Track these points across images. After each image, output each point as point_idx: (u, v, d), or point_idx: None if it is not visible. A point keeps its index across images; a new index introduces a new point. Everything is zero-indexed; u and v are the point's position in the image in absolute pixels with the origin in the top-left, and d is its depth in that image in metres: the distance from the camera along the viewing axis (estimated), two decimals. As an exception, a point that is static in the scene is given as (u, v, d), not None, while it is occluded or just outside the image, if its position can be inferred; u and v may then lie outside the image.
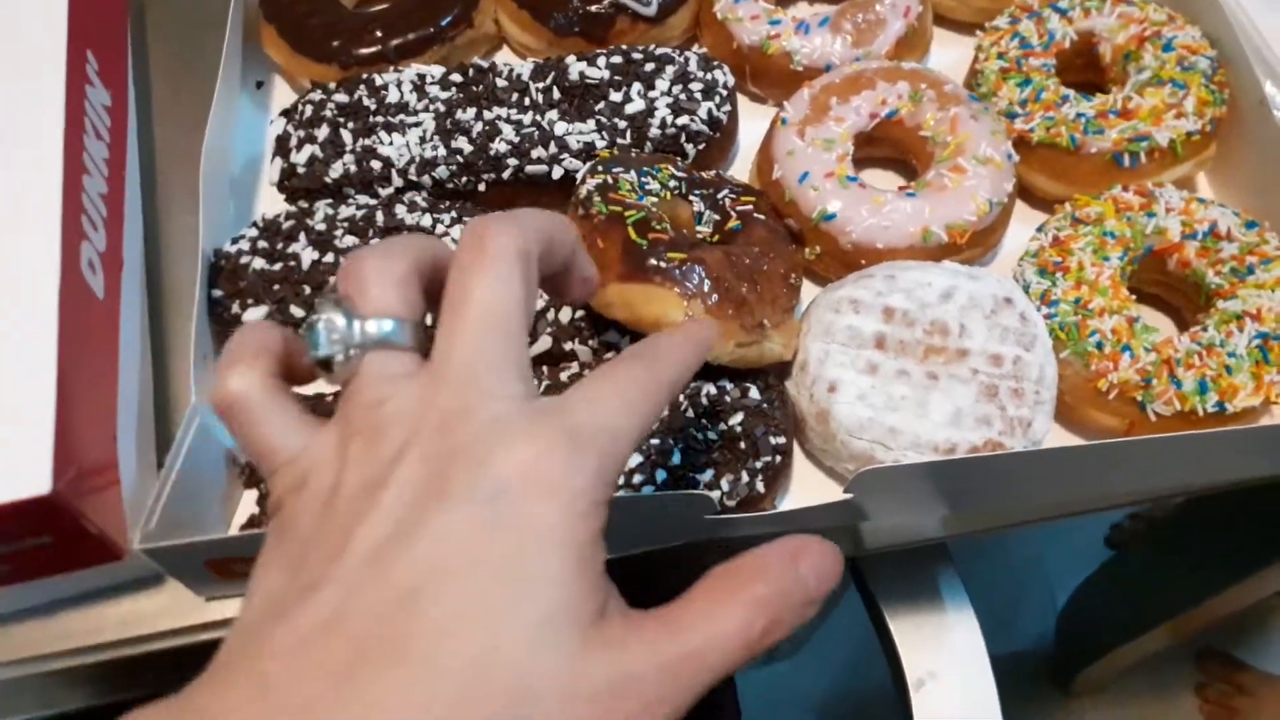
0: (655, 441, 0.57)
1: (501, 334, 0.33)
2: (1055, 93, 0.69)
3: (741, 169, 0.74)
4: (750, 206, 0.65)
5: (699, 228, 0.64)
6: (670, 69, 0.70)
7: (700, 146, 0.69)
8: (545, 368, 0.61)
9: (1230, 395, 0.59)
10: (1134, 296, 0.64)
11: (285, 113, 0.70)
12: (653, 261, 0.56)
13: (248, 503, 0.61)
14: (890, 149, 0.72)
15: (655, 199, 0.62)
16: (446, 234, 0.64)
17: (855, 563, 0.73)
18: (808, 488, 0.62)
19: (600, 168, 0.62)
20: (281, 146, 0.68)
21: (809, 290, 0.68)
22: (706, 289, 0.56)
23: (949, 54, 0.79)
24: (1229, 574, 1.06)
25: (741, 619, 0.32)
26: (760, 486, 0.57)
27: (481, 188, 0.68)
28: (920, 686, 0.71)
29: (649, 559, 0.59)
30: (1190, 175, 0.71)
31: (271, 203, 0.71)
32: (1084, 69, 0.74)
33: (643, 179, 0.62)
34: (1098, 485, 0.62)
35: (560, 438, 0.31)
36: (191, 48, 0.81)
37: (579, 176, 0.64)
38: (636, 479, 0.56)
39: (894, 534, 0.65)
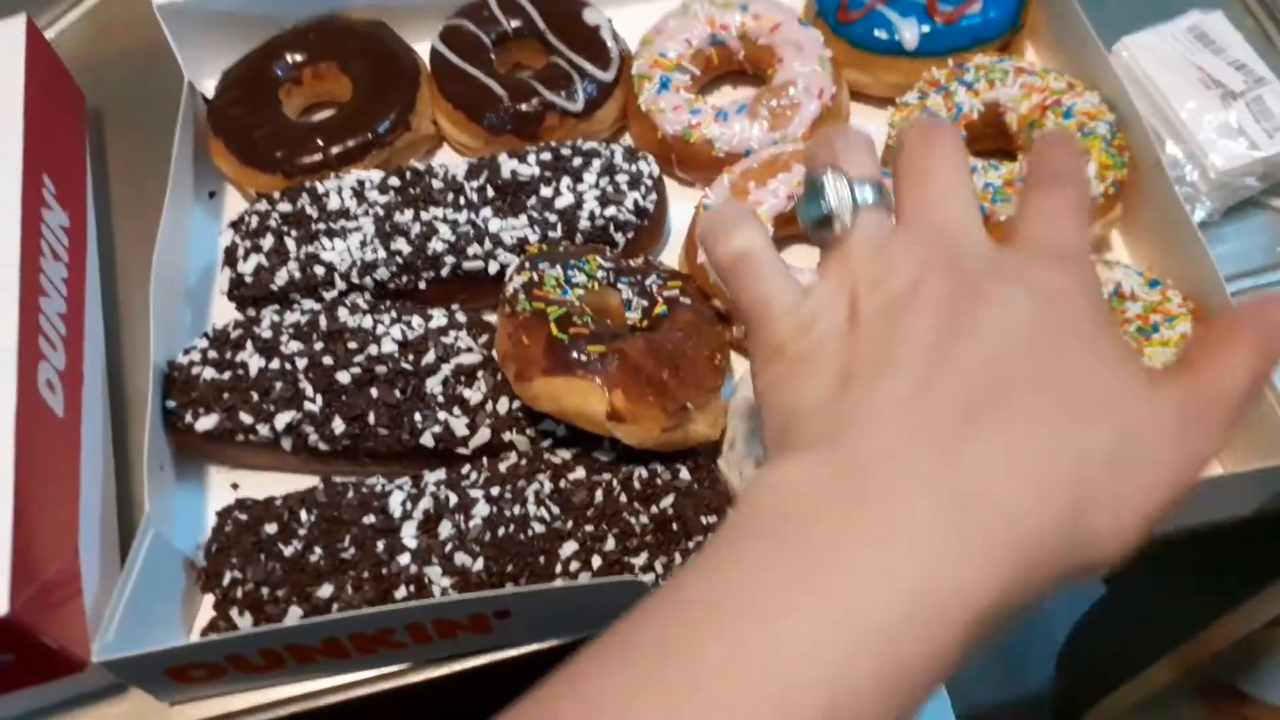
0: (589, 528, 0.60)
1: (971, 199, 0.39)
2: (964, 164, 0.73)
3: (674, 253, 0.77)
4: (676, 291, 0.68)
5: (629, 314, 0.67)
6: (597, 162, 0.73)
7: (629, 235, 0.72)
8: (485, 459, 0.64)
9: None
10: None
11: (233, 224, 0.73)
12: (574, 355, 0.59)
13: (206, 606, 0.63)
14: (812, 225, 0.75)
15: (582, 290, 0.65)
16: (386, 333, 0.67)
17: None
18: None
19: (527, 264, 0.65)
20: (230, 257, 0.72)
21: (740, 367, 0.71)
22: (627, 378, 0.59)
23: (867, 128, 0.81)
24: (1224, 601, 1.07)
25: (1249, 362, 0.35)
26: (693, 565, 0.60)
27: (421, 285, 0.71)
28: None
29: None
30: (1103, 235, 0.74)
31: (223, 310, 0.74)
32: (994, 137, 0.78)
33: (569, 272, 0.65)
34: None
35: (1056, 261, 0.37)
36: (149, 161, 0.85)
37: (509, 273, 0.67)
38: (573, 566, 0.59)
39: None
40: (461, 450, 0.65)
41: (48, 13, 0.95)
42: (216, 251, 0.78)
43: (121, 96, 0.89)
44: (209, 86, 0.83)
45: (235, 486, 0.69)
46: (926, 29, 0.79)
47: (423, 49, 0.84)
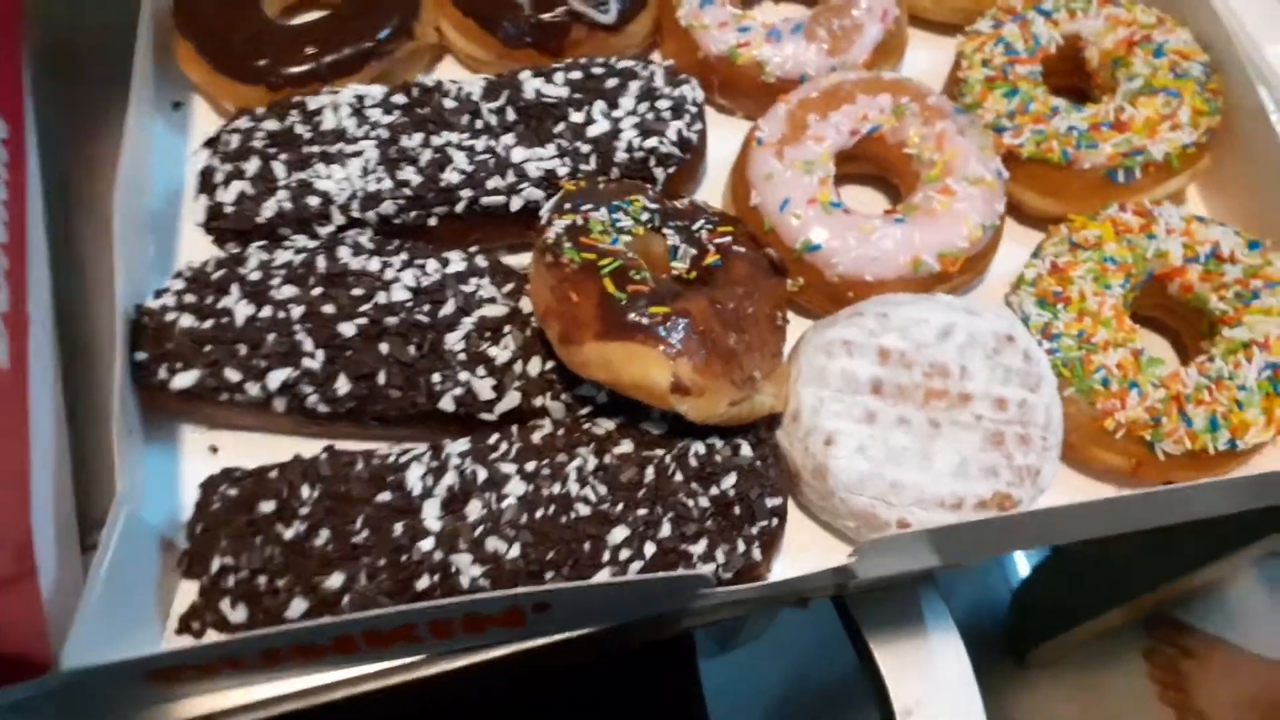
0: (642, 511, 0.52)
1: None
2: (1044, 103, 0.65)
3: (711, 190, 0.69)
4: (729, 238, 0.59)
5: (674, 263, 0.58)
6: (634, 85, 0.64)
7: (670, 170, 0.64)
8: (515, 427, 0.56)
9: (1242, 432, 0.56)
10: (1136, 326, 0.60)
11: (209, 143, 0.63)
12: (633, 317, 0.51)
13: (185, 588, 0.54)
14: (871, 166, 0.67)
15: (629, 237, 0.56)
16: (397, 279, 0.57)
17: (840, 599, 0.70)
18: (801, 543, 0.58)
19: (567, 204, 0.56)
20: (206, 182, 0.61)
21: (794, 323, 0.63)
22: (693, 345, 0.51)
23: (925, 57, 0.74)
24: (1189, 560, 1.05)
25: None
26: (757, 554, 0.53)
27: (432, 222, 0.62)
28: (907, 716, 0.68)
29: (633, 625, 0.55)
30: (1182, 188, 0.67)
31: (195, 243, 0.64)
32: (1069, 73, 0.70)
33: (614, 216, 0.56)
34: (1095, 529, 0.59)
35: None
36: (95, 65, 0.73)
37: (543, 213, 0.58)
38: (623, 554, 0.51)
39: (882, 578, 0.62)
40: (485, 416, 0.56)
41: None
42: (183, 173, 0.68)
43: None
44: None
45: (214, 450, 0.60)
46: (1000, -54, 0.70)
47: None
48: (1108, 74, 0.68)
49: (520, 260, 0.64)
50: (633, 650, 0.83)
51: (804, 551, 0.57)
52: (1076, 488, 0.61)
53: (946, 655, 0.70)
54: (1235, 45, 0.65)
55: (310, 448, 0.58)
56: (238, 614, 0.51)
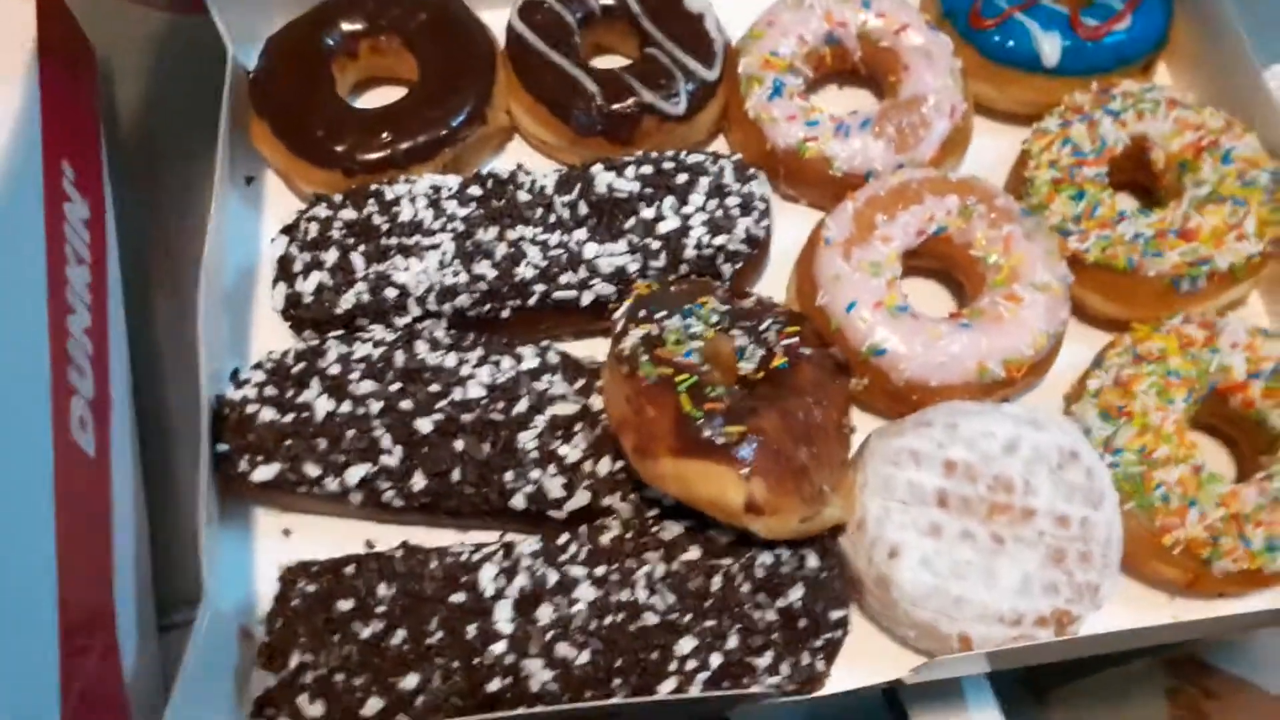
0: (710, 623, 0.53)
1: None
2: (1111, 208, 0.66)
3: (774, 279, 0.70)
4: (795, 339, 0.60)
5: (742, 363, 0.59)
6: (704, 180, 0.65)
7: (737, 265, 0.65)
8: (585, 528, 0.57)
9: (1299, 554, 0.57)
10: (1196, 442, 0.61)
11: (287, 230, 0.64)
12: (708, 435, 0.52)
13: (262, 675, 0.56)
14: (936, 262, 0.68)
15: (700, 343, 0.57)
16: (472, 375, 0.59)
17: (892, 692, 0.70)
18: (858, 648, 0.59)
19: (641, 312, 0.57)
20: (285, 270, 0.63)
21: (856, 418, 0.64)
22: (767, 466, 0.52)
23: (989, 145, 0.74)
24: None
25: None
26: (820, 666, 0.54)
27: (505, 314, 0.63)
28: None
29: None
30: (1246, 294, 0.68)
31: (268, 321, 0.65)
32: (1133, 170, 0.71)
33: (687, 321, 0.57)
34: (1143, 643, 0.60)
35: None
36: (170, 144, 0.74)
37: (616, 317, 0.59)
38: (690, 665, 0.52)
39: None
40: (554, 514, 0.58)
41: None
42: (257, 250, 0.69)
43: (127, 51, 0.77)
44: (246, 52, 0.72)
45: (287, 533, 0.61)
46: (1068, 43, 0.71)
47: (493, 19, 0.73)
48: (1174, 177, 0.68)
49: (588, 347, 0.65)
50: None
51: (860, 656, 0.58)
52: (1131, 596, 0.61)
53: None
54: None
55: (381, 533, 0.59)
56: (314, 709, 0.52)
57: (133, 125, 0.75)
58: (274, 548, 0.60)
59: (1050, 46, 0.71)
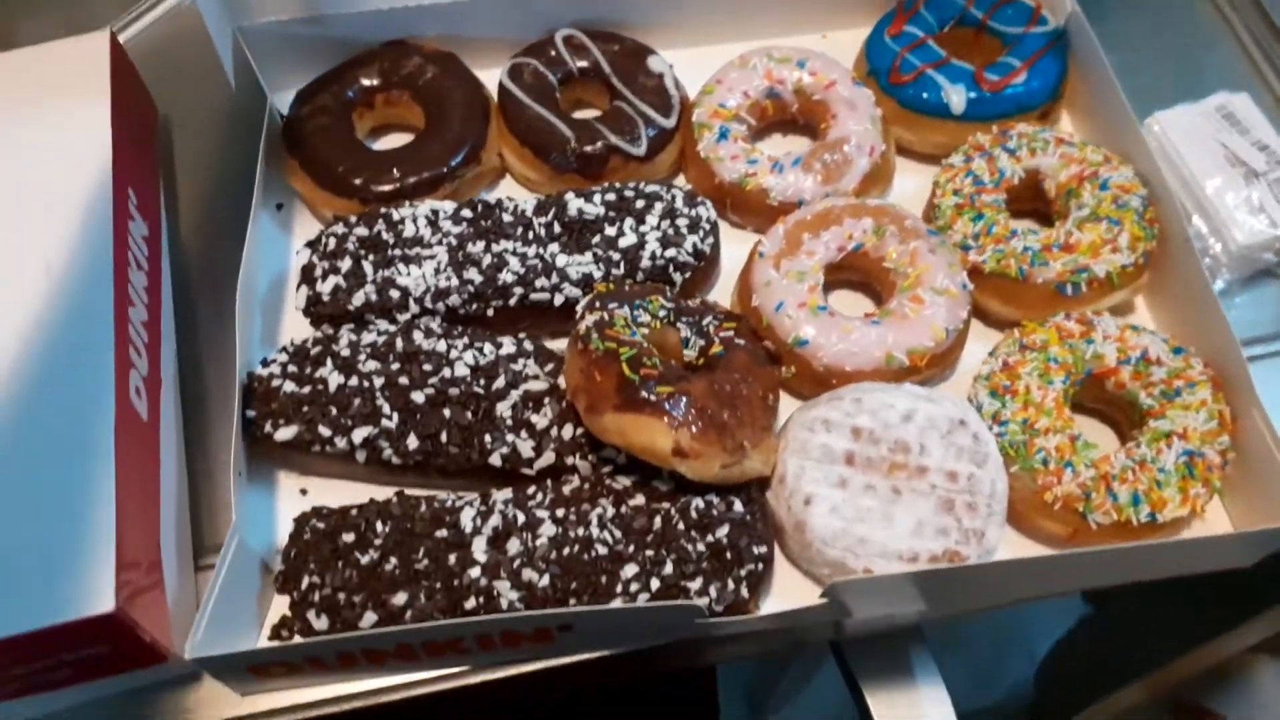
0: (650, 552, 0.64)
1: None
2: (1005, 227, 0.77)
3: (725, 289, 0.82)
4: (732, 333, 0.72)
5: (686, 352, 0.71)
6: (659, 205, 0.78)
7: (686, 275, 0.77)
8: (549, 480, 0.68)
9: (1160, 507, 0.66)
10: (1074, 418, 0.71)
11: (310, 244, 0.77)
12: (644, 395, 0.63)
13: (279, 603, 0.67)
14: (856, 275, 0.80)
15: (646, 329, 0.69)
16: (459, 358, 0.71)
17: (836, 645, 0.79)
18: (788, 585, 0.69)
19: (597, 303, 0.69)
20: (307, 276, 0.75)
21: (787, 402, 0.75)
22: (691, 417, 0.63)
23: (910, 183, 0.87)
24: (1206, 629, 1.11)
25: None
26: (745, 592, 0.64)
27: (489, 313, 0.75)
28: (895, 762, 0.76)
29: (646, 651, 0.66)
30: (1128, 300, 0.79)
31: (294, 323, 0.78)
32: (1031, 199, 0.82)
33: (635, 312, 0.69)
34: (1048, 586, 0.69)
35: None
36: (208, 167, 0.89)
37: (578, 309, 0.71)
38: (633, 587, 0.63)
39: (871, 623, 0.72)
40: (526, 471, 0.69)
41: (116, 21, 0.98)
42: (286, 264, 0.83)
43: (183, 104, 0.93)
44: (281, 101, 0.87)
45: (304, 492, 0.73)
46: (973, 95, 0.84)
47: (487, 77, 0.88)
48: (1063, 203, 0.80)
49: (560, 345, 0.77)
50: (657, 679, 0.94)
51: (788, 597, 0.68)
52: (1022, 551, 0.71)
53: (933, 706, 0.79)
54: (1169, 180, 0.77)
55: (383, 494, 0.70)
56: (321, 623, 0.63)
57: (186, 163, 0.90)
58: (292, 504, 0.72)
59: (958, 97, 0.84)
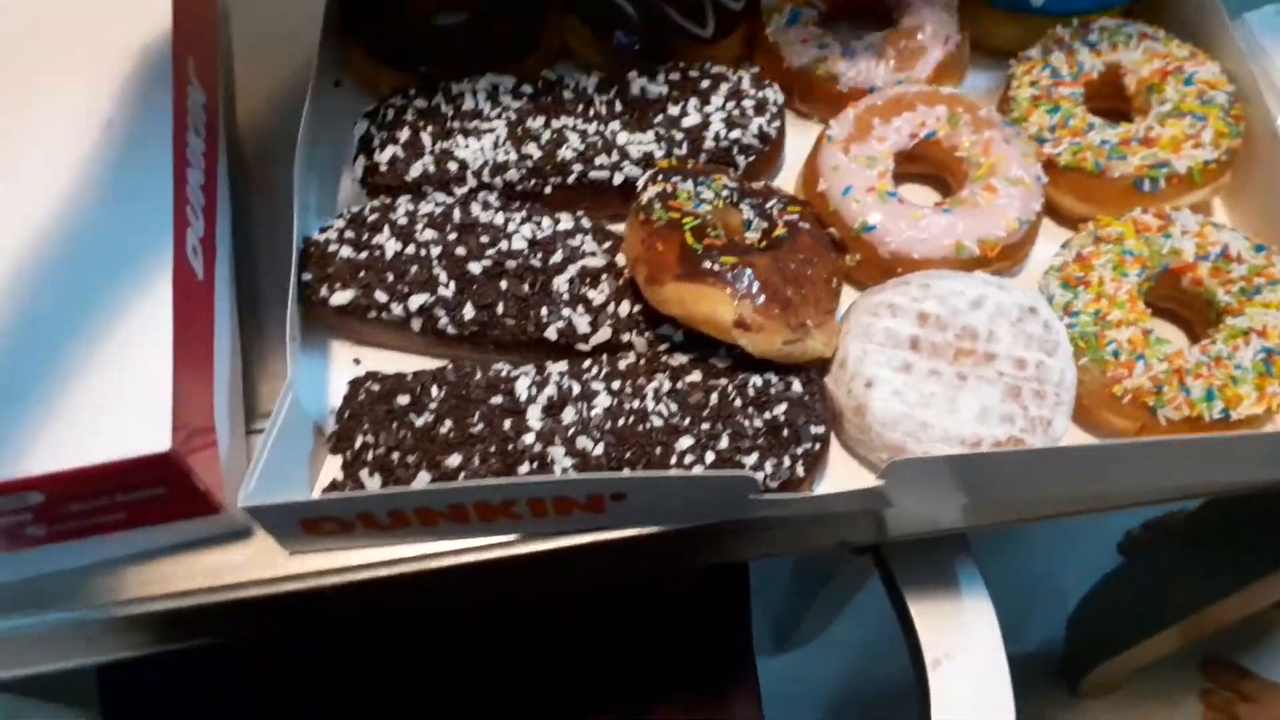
0: (706, 426, 0.62)
1: None
2: (1082, 120, 0.75)
3: (787, 181, 0.80)
4: (796, 216, 0.70)
5: (748, 234, 0.69)
6: (724, 86, 0.76)
7: (750, 159, 0.75)
8: (605, 356, 0.67)
9: (1235, 403, 0.64)
10: (1149, 311, 0.69)
11: (369, 114, 0.76)
12: (707, 264, 0.62)
13: (331, 466, 0.67)
14: (927, 166, 0.77)
15: (709, 206, 0.67)
16: (517, 231, 0.69)
17: (879, 549, 0.78)
18: (842, 474, 0.68)
19: (660, 176, 0.68)
20: (365, 146, 0.74)
21: (849, 294, 0.73)
22: (755, 290, 0.61)
23: (984, 78, 0.84)
24: (1235, 580, 1.10)
25: None
26: (800, 471, 0.63)
27: (548, 190, 0.74)
28: (937, 666, 0.76)
29: (695, 533, 0.65)
30: (1206, 200, 0.76)
31: (350, 195, 0.77)
32: (1110, 97, 0.79)
33: (698, 188, 0.68)
34: (1108, 483, 0.68)
35: None
36: (266, 41, 0.88)
37: (639, 184, 0.69)
38: (688, 459, 0.62)
39: (917, 522, 0.71)
40: (581, 346, 0.68)
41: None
42: (344, 141, 0.81)
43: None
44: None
45: (357, 362, 0.72)
46: (1054, -13, 0.80)
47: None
48: (1144, 99, 0.77)
49: (618, 228, 0.76)
50: (694, 584, 0.93)
51: (840, 479, 0.67)
52: (1089, 448, 0.69)
53: (977, 614, 0.78)
54: (1257, 77, 0.74)
55: (438, 366, 0.70)
56: (374, 482, 0.63)
57: (244, 37, 0.89)
58: (346, 372, 0.71)
59: (1038, -11, 0.80)
